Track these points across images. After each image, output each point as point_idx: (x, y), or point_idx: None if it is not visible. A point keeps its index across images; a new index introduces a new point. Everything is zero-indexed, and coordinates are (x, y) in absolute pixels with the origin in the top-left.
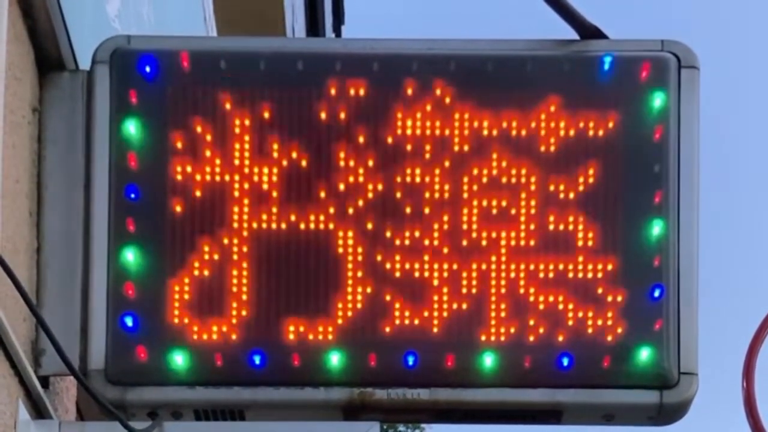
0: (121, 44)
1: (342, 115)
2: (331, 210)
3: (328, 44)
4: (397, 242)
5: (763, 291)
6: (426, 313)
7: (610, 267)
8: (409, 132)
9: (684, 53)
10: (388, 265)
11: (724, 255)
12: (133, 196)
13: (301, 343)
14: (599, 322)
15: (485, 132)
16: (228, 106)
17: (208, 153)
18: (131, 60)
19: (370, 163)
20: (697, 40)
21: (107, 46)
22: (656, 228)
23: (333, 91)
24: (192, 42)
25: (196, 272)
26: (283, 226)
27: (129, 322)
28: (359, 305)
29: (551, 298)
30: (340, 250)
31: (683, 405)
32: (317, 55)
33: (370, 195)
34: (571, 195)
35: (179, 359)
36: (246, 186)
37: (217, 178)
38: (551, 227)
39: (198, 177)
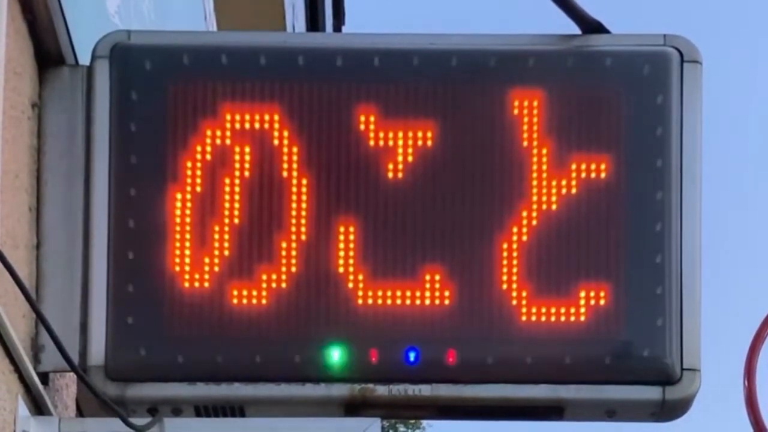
0: (122, 39)
1: (343, 110)
2: (333, 207)
3: (329, 39)
4: (399, 238)
5: (765, 289)
6: (427, 310)
7: (612, 263)
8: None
9: (686, 48)
10: (388, 261)
11: (727, 252)
12: (133, 191)
13: (302, 339)
14: (601, 318)
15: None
16: (228, 101)
17: (208, 148)
18: (131, 55)
19: (373, 159)
20: (699, 35)
21: (107, 42)
22: (658, 224)
23: (335, 86)
24: (192, 37)
25: (197, 267)
26: (285, 224)
27: (129, 318)
28: (360, 301)
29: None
30: (342, 245)
31: (686, 401)
32: (318, 49)
33: (574, 190)
34: (573, 190)
35: (179, 355)
36: (247, 181)
37: (218, 172)
38: (553, 223)
39: (199, 172)
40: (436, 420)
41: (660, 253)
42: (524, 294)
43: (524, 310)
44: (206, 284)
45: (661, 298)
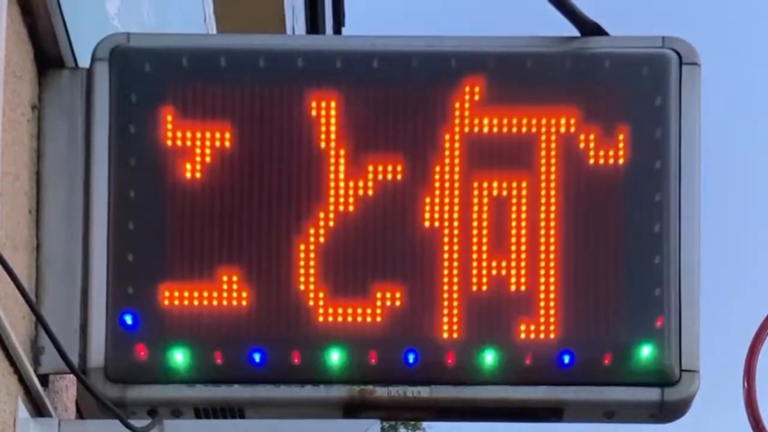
0: (121, 42)
1: (341, 112)
2: (331, 206)
3: (328, 41)
4: (398, 237)
5: (765, 290)
6: (426, 311)
7: (611, 265)
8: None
9: (685, 50)
10: (388, 262)
11: (726, 253)
12: (132, 193)
13: (302, 341)
14: (600, 319)
15: (485, 129)
16: (227, 103)
17: (208, 150)
18: (131, 57)
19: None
20: (698, 37)
21: (107, 44)
22: (657, 225)
23: (332, 88)
24: (191, 39)
25: (197, 270)
26: (284, 224)
27: (129, 320)
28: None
29: (552, 296)
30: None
31: (685, 402)
32: (317, 52)
33: (371, 192)
34: (572, 192)
35: (179, 357)
36: (246, 183)
37: (218, 175)
38: (551, 225)
39: (198, 174)
40: (436, 421)
41: (659, 254)
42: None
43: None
44: (206, 285)
45: (660, 300)
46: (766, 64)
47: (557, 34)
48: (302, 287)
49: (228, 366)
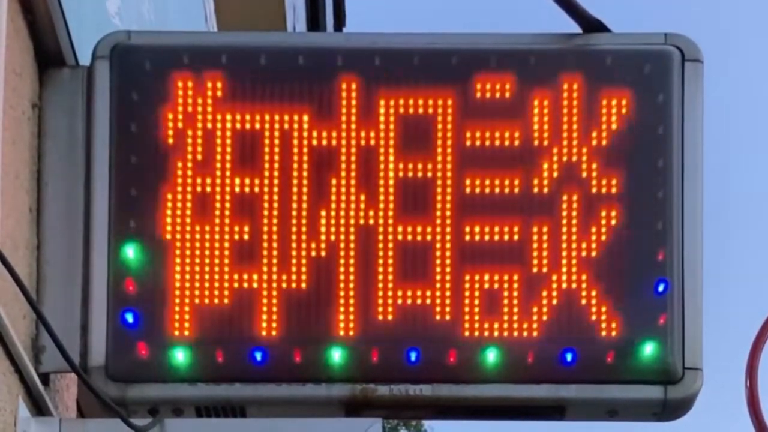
0: (122, 40)
1: (342, 111)
2: (330, 208)
3: (329, 39)
4: (399, 238)
5: (766, 289)
6: (428, 309)
7: (613, 261)
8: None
9: (687, 46)
10: (390, 260)
11: (729, 250)
12: (133, 191)
13: (303, 339)
14: (603, 317)
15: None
16: (229, 101)
17: (208, 148)
18: (131, 55)
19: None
20: (700, 33)
21: (107, 42)
22: (660, 222)
23: (334, 86)
24: (192, 37)
25: (197, 268)
26: (285, 224)
27: (129, 318)
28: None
29: (555, 294)
30: (342, 245)
31: (688, 400)
32: (318, 49)
33: (371, 190)
34: (575, 189)
35: (180, 356)
36: (247, 181)
37: (218, 173)
38: (553, 222)
39: (199, 172)
40: (438, 420)
41: (662, 251)
42: None
43: None
44: (206, 284)
45: (663, 297)
46: (766, 63)
47: (559, 30)
48: (304, 285)
49: (229, 364)
